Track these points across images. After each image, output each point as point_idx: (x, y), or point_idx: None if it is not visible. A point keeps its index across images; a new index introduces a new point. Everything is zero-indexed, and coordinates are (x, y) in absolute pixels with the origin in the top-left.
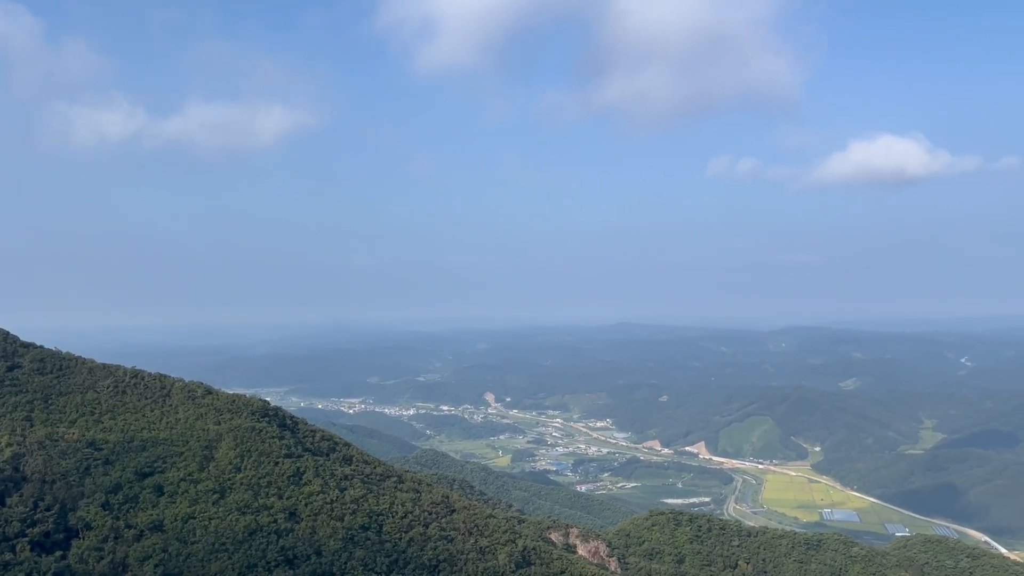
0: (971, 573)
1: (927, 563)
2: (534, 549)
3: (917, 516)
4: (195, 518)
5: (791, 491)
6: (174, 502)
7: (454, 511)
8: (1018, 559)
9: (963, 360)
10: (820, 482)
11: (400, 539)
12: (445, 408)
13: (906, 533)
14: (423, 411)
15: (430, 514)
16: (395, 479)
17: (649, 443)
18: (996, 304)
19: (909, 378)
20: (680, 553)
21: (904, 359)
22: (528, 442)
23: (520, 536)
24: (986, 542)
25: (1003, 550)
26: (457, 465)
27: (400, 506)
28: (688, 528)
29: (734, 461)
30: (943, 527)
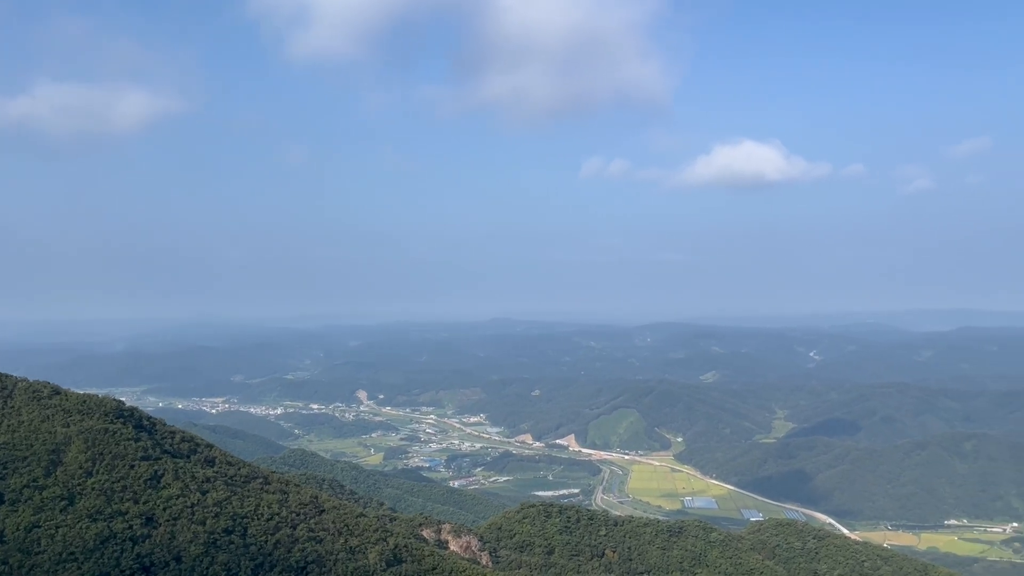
0: (816, 553)
1: (778, 545)
2: (405, 547)
3: (770, 501)
4: (40, 527)
5: (655, 480)
6: (16, 510)
7: (323, 511)
8: (858, 538)
9: (812, 354)
10: (682, 471)
11: (266, 542)
12: (315, 407)
13: (760, 518)
14: (292, 410)
15: (298, 515)
16: (261, 480)
17: (522, 437)
18: (842, 302)
19: (763, 371)
20: (550, 544)
21: (759, 353)
22: (401, 439)
23: (391, 534)
24: (830, 524)
25: (845, 531)
26: (327, 464)
27: (266, 508)
28: (558, 519)
29: (602, 452)
30: (793, 511)
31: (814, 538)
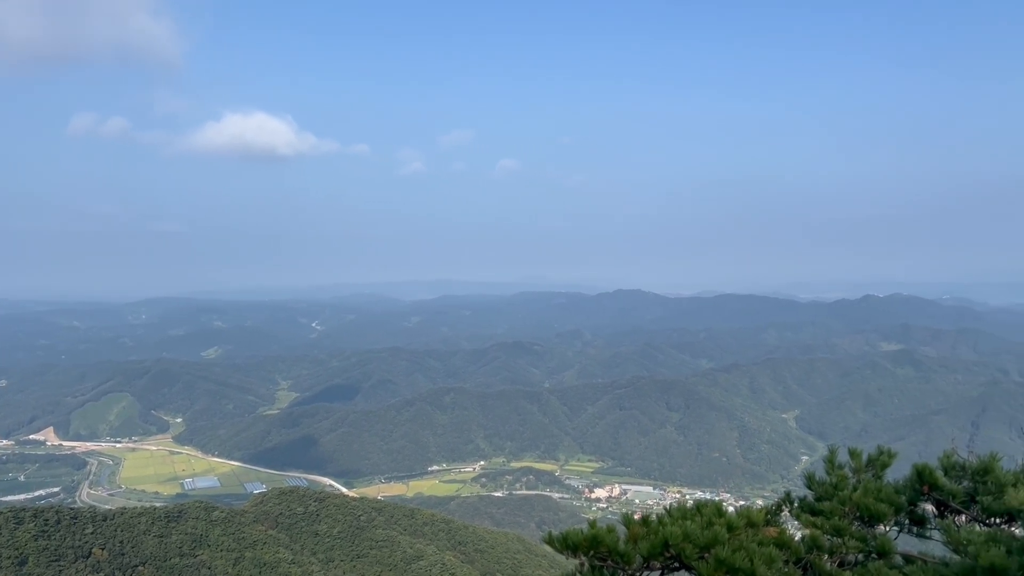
0: (318, 514)
1: (281, 513)
2: None
3: (276, 472)
4: None
5: (152, 467)
6: None
7: None
8: (355, 495)
9: (314, 324)
10: (182, 453)
11: None
12: None
13: (263, 489)
14: None
15: None
16: None
17: None
18: (343, 273)
19: (267, 344)
20: (22, 553)
21: (263, 326)
22: None
23: None
24: (331, 485)
25: (344, 490)
26: None
27: None
28: (32, 525)
29: (89, 444)
30: (297, 478)
31: (315, 501)
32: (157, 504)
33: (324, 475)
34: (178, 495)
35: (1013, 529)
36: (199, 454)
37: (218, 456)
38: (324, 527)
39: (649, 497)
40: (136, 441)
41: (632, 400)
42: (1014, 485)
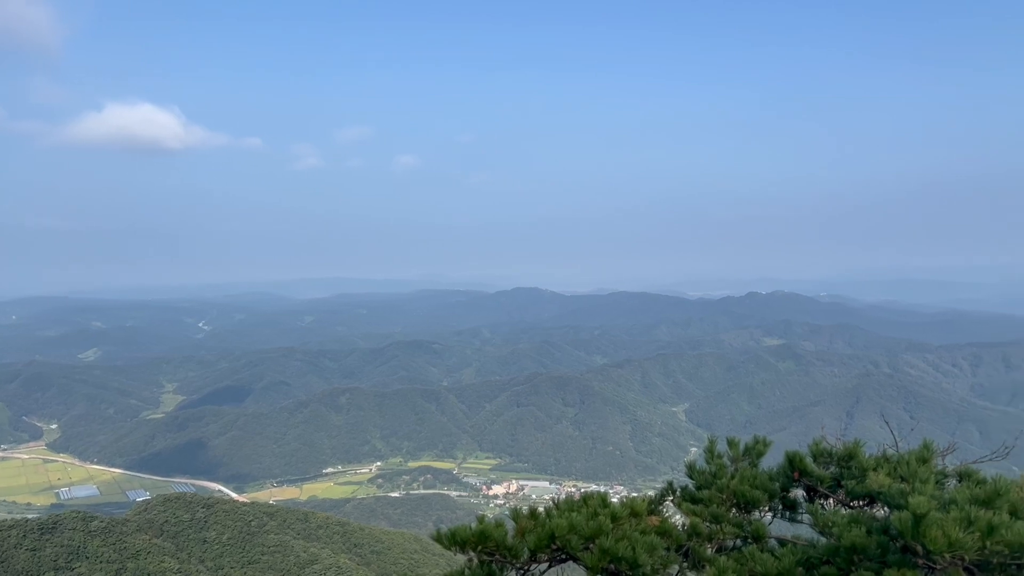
0: (206, 521)
1: (167, 521)
2: None
3: (161, 479)
4: None
5: (24, 476)
6: None
7: None
8: (246, 500)
9: (201, 324)
10: (58, 461)
11: None
12: None
13: (147, 497)
14: None
15: None
16: None
17: None
18: (232, 272)
19: (151, 344)
20: None
21: (146, 326)
22: None
23: None
24: (220, 490)
25: (234, 495)
26: None
27: None
28: None
29: None
30: (184, 484)
31: (203, 507)
32: (30, 516)
33: (213, 480)
34: (53, 506)
35: (874, 510)
36: (76, 462)
37: (98, 463)
38: (213, 534)
39: (546, 492)
40: (5, 450)
41: (529, 397)
42: (875, 469)
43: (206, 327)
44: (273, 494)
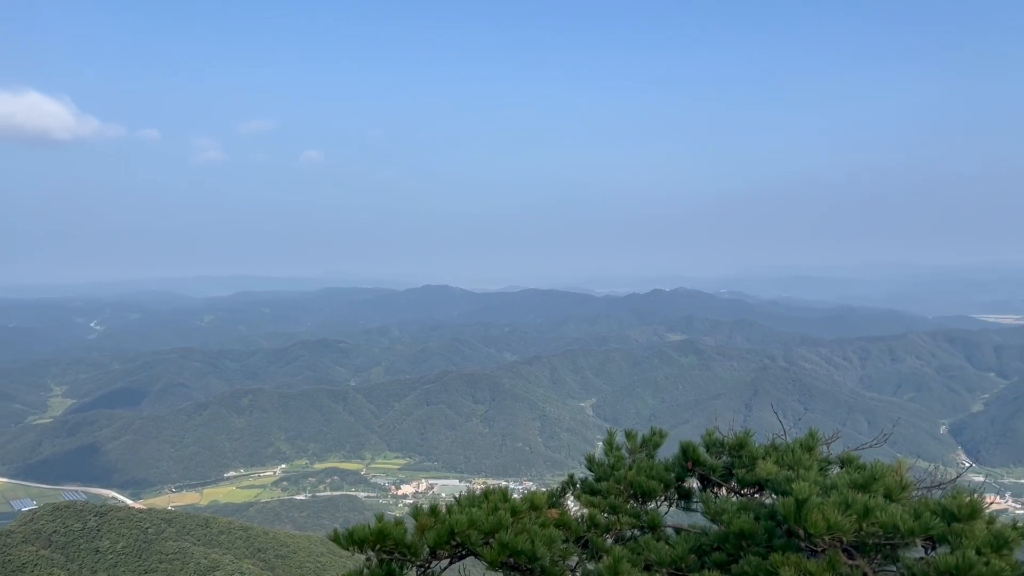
0: (99, 530)
1: (56, 531)
2: None
3: (50, 487)
4: None
5: None
6: None
7: None
8: (142, 506)
9: (92, 324)
10: None
11: None
12: None
13: (33, 506)
14: None
15: None
16: None
17: None
18: (127, 269)
19: (37, 346)
20: None
21: (31, 326)
22: None
23: None
24: (114, 497)
25: (130, 502)
26: None
27: None
28: None
29: None
30: (74, 492)
31: (95, 515)
32: None
33: (107, 487)
34: None
35: (762, 497)
36: None
37: None
38: (107, 543)
39: (456, 490)
40: None
41: (439, 395)
42: (764, 458)
43: (98, 327)
44: (172, 500)
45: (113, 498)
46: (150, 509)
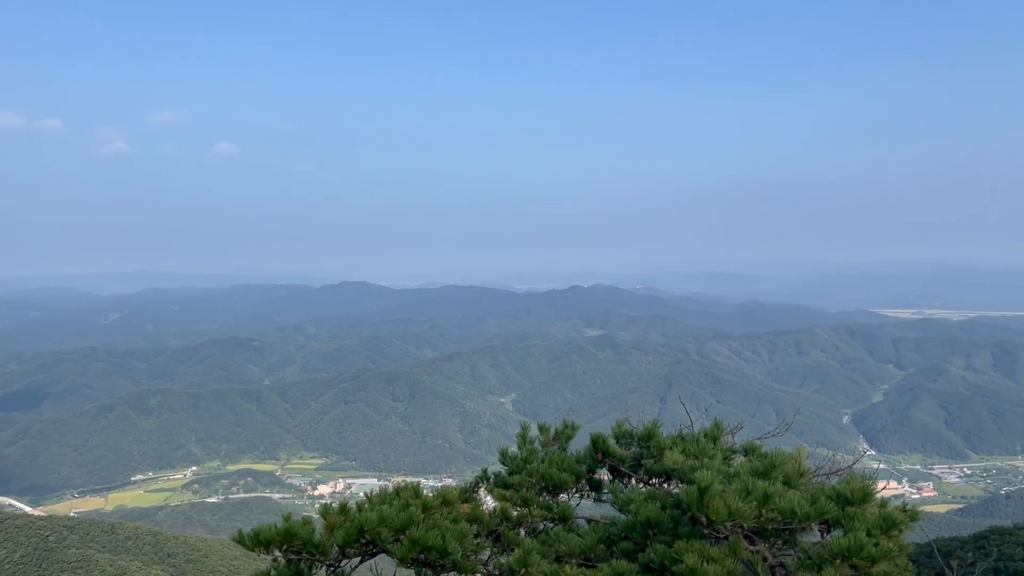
0: None
1: None
2: None
3: None
4: None
5: None
6: None
7: None
8: (42, 513)
9: None
10: None
11: None
12: None
13: None
14: None
15: None
16: None
17: None
18: (25, 265)
19: None
20: None
21: None
22: None
23: None
24: (11, 505)
25: (28, 508)
26: None
27: None
28: None
29: None
30: None
31: None
32: None
33: (3, 495)
34: None
35: (669, 487)
36: None
37: None
38: (3, 552)
39: (374, 489)
40: None
41: (357, 393)
42: (671, 448)
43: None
44: (74, 506)
45: (10, 505)
46: (51, 516)
